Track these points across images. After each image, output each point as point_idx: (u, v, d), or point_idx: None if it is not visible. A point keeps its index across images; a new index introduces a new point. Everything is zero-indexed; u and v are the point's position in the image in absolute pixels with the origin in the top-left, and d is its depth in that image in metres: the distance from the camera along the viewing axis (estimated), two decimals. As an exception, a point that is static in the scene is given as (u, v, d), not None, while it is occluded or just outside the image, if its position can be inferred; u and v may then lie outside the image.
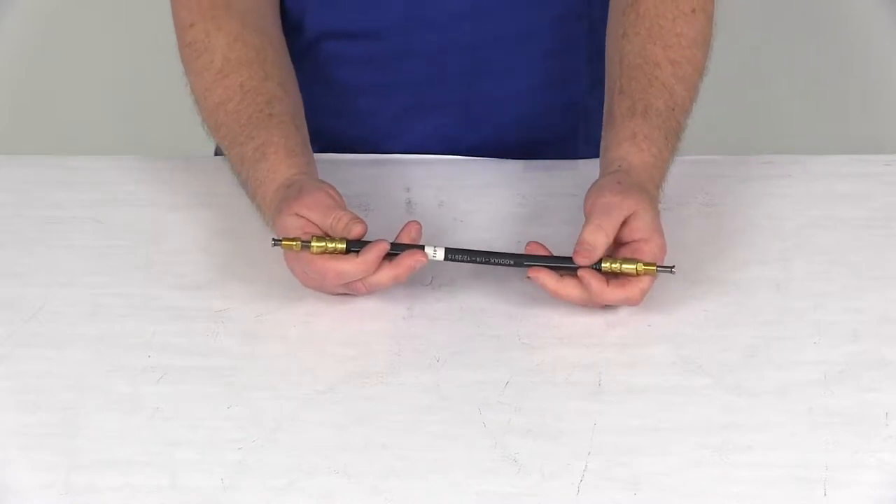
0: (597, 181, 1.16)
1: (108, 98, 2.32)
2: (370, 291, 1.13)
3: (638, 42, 1.22)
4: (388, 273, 1.11)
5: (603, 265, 1.10)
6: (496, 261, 1.13)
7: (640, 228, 1.11)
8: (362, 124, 1.36)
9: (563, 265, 1.12)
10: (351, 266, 1.10)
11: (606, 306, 1.12)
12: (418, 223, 1.14)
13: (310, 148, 1.22)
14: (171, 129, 2.24)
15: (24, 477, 0.98)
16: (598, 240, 1.10)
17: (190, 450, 1.00)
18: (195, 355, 1.09)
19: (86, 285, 1.17)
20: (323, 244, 1.10)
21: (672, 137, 1.20)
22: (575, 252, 1.10)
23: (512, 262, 1.13)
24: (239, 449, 1.00)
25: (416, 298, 1.15)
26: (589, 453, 0.99)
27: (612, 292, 1.10)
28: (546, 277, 1.11)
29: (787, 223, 1.24)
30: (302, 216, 1.12)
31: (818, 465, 0.98)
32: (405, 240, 1.13)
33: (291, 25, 1.33)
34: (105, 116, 2.32)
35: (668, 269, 1.10)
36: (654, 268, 1.10)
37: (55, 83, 2.32)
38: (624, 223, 1.11)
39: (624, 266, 1.10)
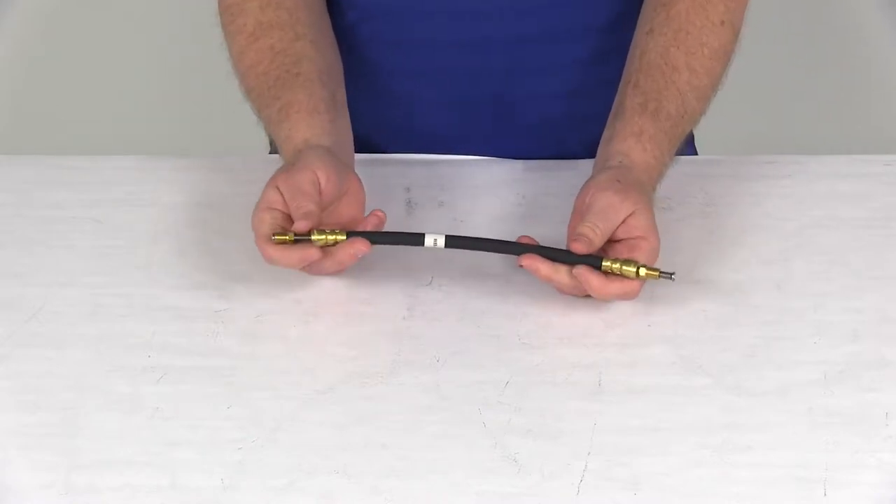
0: (595, 176, 1.15)
1: (108, 98, 2.32)
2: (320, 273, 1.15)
3: (662, 42, 1.22)
4: (328, 262, 1.12)
5: (603, 264, 1.10)
6: (496, 248, 1.14)
7: (637, 227, 1.11)
8: (397, 109, 1.36)
9: (563, 258, 1.12)
10: (279, 256, 1.12)
11: (603, 306, 1.12)
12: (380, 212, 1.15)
13: (338, 103, 1.23)
14: (172, 128, 2.25)
15: (24, 477, 0.98)
16: (595, 236, 1.10)
17: (190, 450, 1.00)
18: (195, 355, 1.09)
19: (86, 285, 1.17)
20: (323, 236, 1.11)
21: (675, 144, 1.20)
22: (572, 240, 1.10)
23: (513, 251, 1.13)
24: (239, 449, 1.00)
25: (416, 298, 1.15)
26: (589, 453, 0.99)
27: (613, 287, 1.10)
28: (539, 262, 1.11)
29: (788, 223, 1.23)
30: (280, 192, 1.13)
31: (818, 465, 0.98)
32: (369, 227, 1.14)
33: (333, 5, 1.33)
34: (105, 116, 2.32)
35: (669, 276, 1.10)
36: (657, 273, 1.10)
37: (55, 83, 2.32)
38: (622, 221, 1.11)
39: (624, 268, 1.10)
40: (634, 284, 1.10)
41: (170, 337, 1.11)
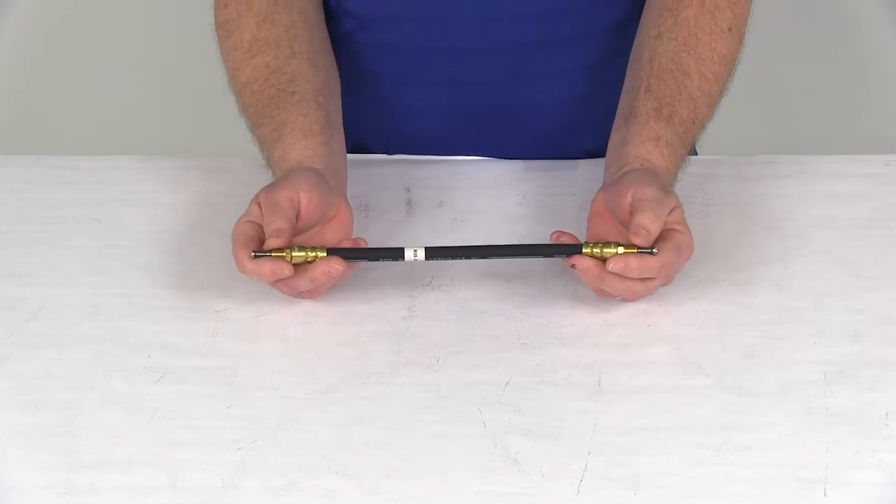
0: (625, 175, 1.15)
1: (108, 98, 2.32)
2: (292, 293, 1.13)
3: (672, 47, 1.22)
4: (302, 279, 1.11)
5: (584, 251, 1.10)
6: (475, 255, 1.14)
7: (675, 221, 1.12)
8: (395, 118, 1.35)
9: (543, 253, 1.13)
10: (253, 267, 1.10)
11: (604, 306, 1.12)
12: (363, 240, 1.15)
13: (333, 124, 1.22)
14: (172, 128, 2.25)
15: (24, 477, 0.98)
16: (654, 226, 1.10)
17: (190, 450, 1.00)
18: (195, 355, 1.09)
19: (86, 285, 1.17)
20: (303, 254, 1.10)
21: (687, 149, 1.21)
22: (632, 233, 1.09)
23: (492, 254, 1.14)
24: (239, 449, 1.00)
25: (416, 298, 1.15)
26: (589, 453, 0.99)
27: (651, 259, 1.09)
28: (590, 263, 1.10)
29: (788, 223, 1.23)
30: (260, 207, 1.13)
31: (818, 465, 0.98)
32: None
33: (331, 13, 1.33)
34: (105, 116, 2.32)
35: (650, 251, 1.10)
36: (636, 249, 1.09)
37: (55, 83, 2.32)
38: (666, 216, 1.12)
39: (605, 250, 1.10)
40: (632, 261, 1.09)
41: (170, 337, 1.11)
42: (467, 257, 1.14)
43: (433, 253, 1.13)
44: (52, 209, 1.27)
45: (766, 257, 1.19)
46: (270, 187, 1.14)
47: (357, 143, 1.38)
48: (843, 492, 0.96)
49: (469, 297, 1.15)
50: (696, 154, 1.42)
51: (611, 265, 1.09)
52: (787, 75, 2.24)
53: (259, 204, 1.14)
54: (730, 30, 1.23)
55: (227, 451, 1.00)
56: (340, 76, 1.29)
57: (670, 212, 1.12)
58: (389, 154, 1.37)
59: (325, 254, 1.11)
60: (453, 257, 1.14)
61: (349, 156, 1.26)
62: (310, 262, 1.11)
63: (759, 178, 1.29)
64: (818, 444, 1.00)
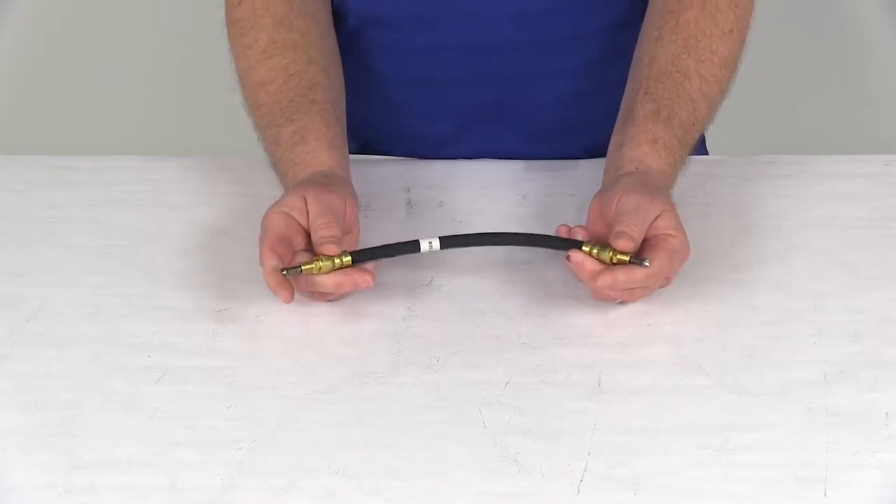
0: (617, 180, 1.15)
1: (108, 98, 2.32)
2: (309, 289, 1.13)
3: (672, 49, 1.22)
4: (331, 279, 1.11)
5: (584, 248, 1.10)
6: (489, 242, 1.15)
7: (665, 226, 1.11)
8: (398, 117, 1.36)
9: (546, 244, 1.13)
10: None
11: (603, 305, 1.12)
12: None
13: (346, 141, 1.23)
14: (172, 128, 2.25)
15: (24, 477, 0.99)
16: (635, 232, 1.09)
17: (190, 450, 1.00)
18: (195, 355, 1.09)
19: (86, 285, 1.17)
20: (330, 262, 1.10)
21: (686, 151, 1.20)
22: (614, 239, 1.09)
23: (505, 242, 1.15)
24: (239, 449, 1.00)
25: (416, 298, 1.15)
26: (589, 453, 0.99)
27: (640, 271, 1.09)
28: (588, 261, 1.09)
29: (788, 223, 1.23)
30: (305, 202, 1.12)
31: (818, 465, 0.98)
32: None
33: (335, 12, 1.33)
34: (105, 116, 2.32)
35: (640, 262, 1.09)
36: (628, 259, 1.09)
37: (55, 83, 2.32)
38: (651, 222, 1.11)
39: (601, 253, 1.09)
40: (620, 274, 1.09)
41: (170, 337, 1.11)
42: (481, 244, 1.14)
43: (447, 242, 1.13)
44: (52, 209, 1.27)
45: (766, 257, 1.19)
46: (320, 187, 1.14)
47: (362, 144, 1.38)
48: (843, 492, 0.96)
49: (469, 297, 1.15)
50: (707, 153, 1.42)
51: (599, 281, 1.09)
52: (787, 75, 2.24)
53: (304, 198, 1.13)
54: (731, 32, 1.23)
55: (227, 451, 1.00)
56: (345, 77, 1.29)
57: (657, 217, 1.11)
58: (389, 153, 1.37)
59: (349, 259, 1.11)
60: (467, 245, 1.14)
61: (349, 155, 1.26)
62: (335, 269, 1.11)
63: (759, 178, 1.29)
64: (818, 444, 1.00)
